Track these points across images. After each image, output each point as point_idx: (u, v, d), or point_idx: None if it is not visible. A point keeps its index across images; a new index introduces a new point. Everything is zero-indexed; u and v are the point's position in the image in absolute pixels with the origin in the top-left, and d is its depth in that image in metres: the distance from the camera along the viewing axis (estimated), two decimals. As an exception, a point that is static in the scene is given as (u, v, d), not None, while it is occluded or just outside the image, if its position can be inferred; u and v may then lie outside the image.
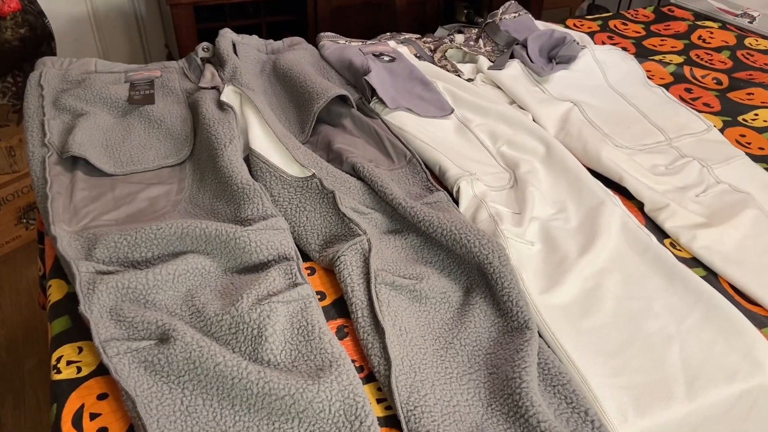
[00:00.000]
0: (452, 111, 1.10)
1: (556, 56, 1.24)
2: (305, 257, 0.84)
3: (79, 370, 0.68)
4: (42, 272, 1.24)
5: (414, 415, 0.62)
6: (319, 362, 0.67)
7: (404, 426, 0.61)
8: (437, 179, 0.97)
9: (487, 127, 1.06)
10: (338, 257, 0.79)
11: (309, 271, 0.82)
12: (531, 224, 0.86)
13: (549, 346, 0.71)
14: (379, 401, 0.67)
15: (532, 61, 1.23)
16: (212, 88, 1.09)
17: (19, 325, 1.93)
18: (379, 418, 0.65)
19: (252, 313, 0.70)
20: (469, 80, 1.23)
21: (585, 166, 0.98)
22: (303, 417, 0.62)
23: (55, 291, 0.78)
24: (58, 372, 0.68)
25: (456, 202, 0.91)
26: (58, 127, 0.99)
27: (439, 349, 0.71)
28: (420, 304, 0.75)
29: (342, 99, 1.08)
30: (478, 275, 0.78)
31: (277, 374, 0.64)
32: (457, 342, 0.71)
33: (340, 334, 0.74)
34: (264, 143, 0.94)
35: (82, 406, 0.65)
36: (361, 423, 0.61)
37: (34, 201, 2.11)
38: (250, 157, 0.94)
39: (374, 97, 1.11)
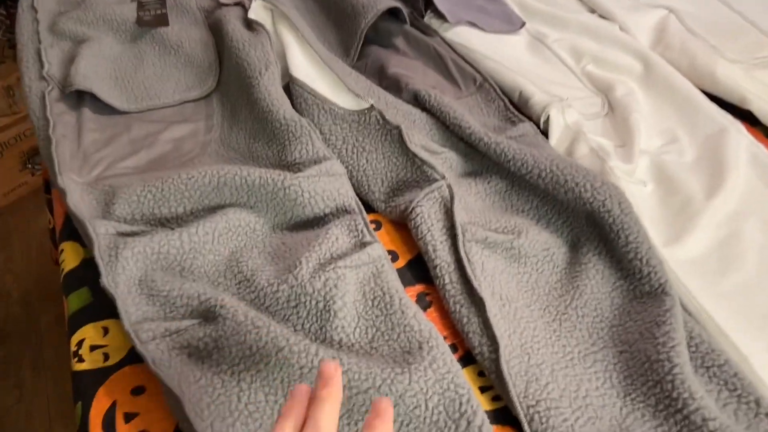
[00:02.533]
0: (523, 24, 0.92)
1: (639, -44, 1.04)
2: (368, 208, 0.69)
3: (106, 357, 0.55)
4: (52, 225, 1.10)
5: (538, 412, 0.48)
6: (405, 343, 0.53)
7: (526, 427, 0.48)
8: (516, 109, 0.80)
9: (567, 43, 0.88)
10: (413, 208, 0.63)
11: (374, 226, 0.67)
12: (641, 159, 0.71)
13: (690, 315, 0.57)
14: (483, 390, 0.53)
15: (610, -37, 1.03)
16: (236, 4, 0.91)
17: (32, 278, 1.81)
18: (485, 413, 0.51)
19: (315, 282, 0.56)
20: (535, -12, 1.04)
21: (695, 85, 0.81)
22: (393, 413, 0.49)
23: (70, 256, 0.64)
24: (81, 360, 0.55)
25: (544, 135, 0.75)
26: (57, 56, 0.82)
27: (550, 322, 0.57)
28: (519, 265, 0.61)
29: (392, 13, 0.90)
30: (588, 226, 0.63)
31: (356, 361, 0.50)
32: (573, 312, 0.57)
33: (423, 303, 0.60)
34: (307, 69, 0.78)
35: (114, 404, 0.52)
36: (469, 423, 0.48)
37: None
38: (291, 87, 0.77)
39: (428, 11, 0.93)
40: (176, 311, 0.55)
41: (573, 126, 0.74)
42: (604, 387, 0.52)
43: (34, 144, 1.94)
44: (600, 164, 0.68)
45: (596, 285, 0.59)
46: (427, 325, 0.54)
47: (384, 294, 0.57)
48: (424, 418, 0.49)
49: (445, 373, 0.50)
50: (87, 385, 0.53)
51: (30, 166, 1.99)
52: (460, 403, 0.49)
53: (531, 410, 0.48)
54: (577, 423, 0.47)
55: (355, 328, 0.55)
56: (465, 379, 0.51)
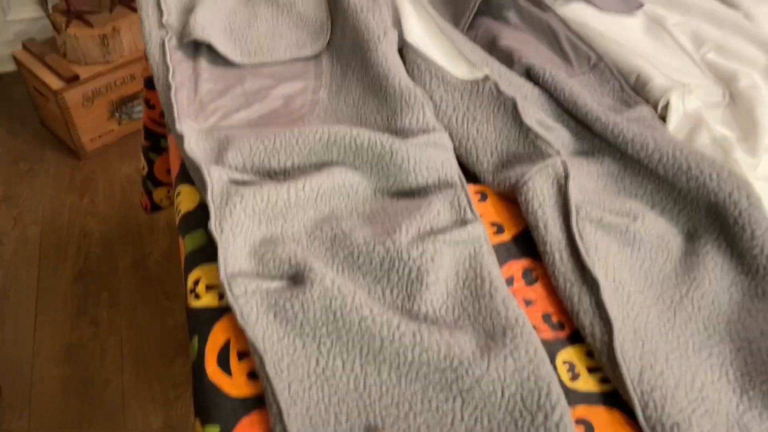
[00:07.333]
0: (640, 6, 0.89)
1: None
2: (474, 179, 0.69)
3: (221, 296, 0.57)
4: (146, 171, 1.14)
5: (653, 399, 0.47)
6: (489, 327, 0.52)
7: (639, 413, 0.47)
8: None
9: (687, 28, 0.85)
10: (524, 182, 0.63)
11: (479, 197, 0.67)
12: (765, 155, 0.67)
13: (814, 319, 0.54)
14: (591, 371, 0.53)
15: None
16: (349, -34, 0.90)
17: (113, 221, 1.89)
18: (592, 394, 0.51)
19: (412, 251, 0.56)
20: (652, -30, 1.00)
21: (825, 83, 0.76)
22: (467, 397, 0.48)
23: (186, 198, 0.66)
24: (197, 297, 0.57)
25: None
26: (175, 5, 0.84)
27: (664, 311, 0.55)
28: (633, 250, 0.60)
29: (506, -15, 0.88)
30: (707, 217, 0.61)
31: (436, 339, 0.50)
32: (688, 303, 0.55)
33: (528, 278, 0.60)
34: (421, 35, 0.77)
35: (228, 342, 0.54)
36: (546, 417, 0.46)
37: (127, 95, 2.02)
38: (404, 53, 0.77)
39: (541, -14, 0.91)
40: (268, 270, 0.56)
41: (693, 113, 0.71)
42: (720, 382, 0.50)
43: (124, 94, 2.01)
44: (722, 155, 0.65)
45: (714, 278, 0.57)
46: (514, 311, 0.53)
47: (476, 276, 0.56)
48: (499, 406, 0.48)
49: (526, 363, 0.49)
50: (203, 321, 0.55)
51: (117, 115, 2.07)
52: (540, 396, 0.47)
53: (645, 396, 0.48)
54: (694, 414, 0.46)
55: (442, 305, 0.55)
56: (550, 370, 0.49)
